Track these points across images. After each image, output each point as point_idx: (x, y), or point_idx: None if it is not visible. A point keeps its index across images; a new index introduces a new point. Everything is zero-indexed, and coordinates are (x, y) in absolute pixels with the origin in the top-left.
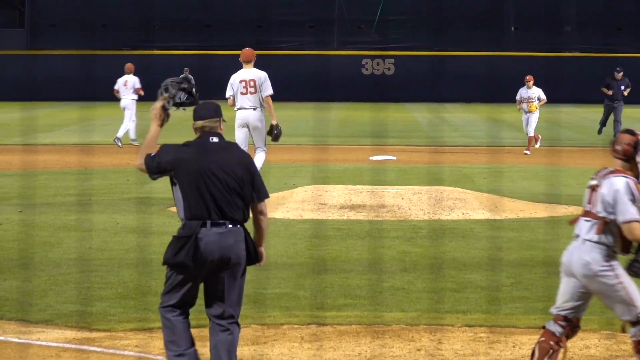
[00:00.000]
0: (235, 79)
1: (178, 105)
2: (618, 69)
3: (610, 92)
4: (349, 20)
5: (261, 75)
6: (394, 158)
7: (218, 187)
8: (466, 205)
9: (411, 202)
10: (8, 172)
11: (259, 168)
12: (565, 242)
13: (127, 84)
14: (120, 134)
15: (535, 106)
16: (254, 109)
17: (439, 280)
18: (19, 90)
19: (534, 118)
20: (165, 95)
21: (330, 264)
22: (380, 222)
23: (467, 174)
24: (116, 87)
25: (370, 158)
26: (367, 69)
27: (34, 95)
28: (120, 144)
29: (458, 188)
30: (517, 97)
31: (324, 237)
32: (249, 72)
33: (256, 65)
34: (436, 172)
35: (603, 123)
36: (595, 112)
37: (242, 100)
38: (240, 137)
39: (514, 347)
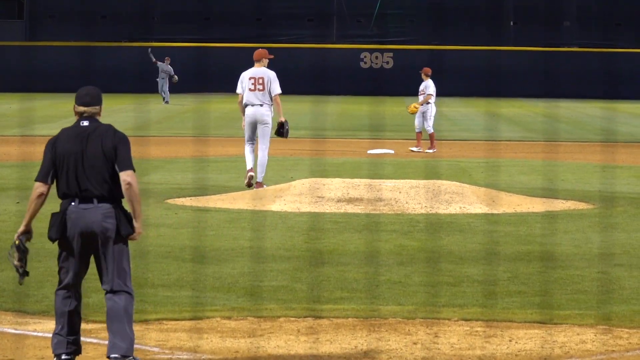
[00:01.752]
0: (245, 76)
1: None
2: None
3: None
4: (348, 14)
5: (270, 74)
6: (392, 152)
7: (84, 166)
8: (463, 199)
9: (408, 196)
10: (6, 163)
11: (264, 162)
12: (562, 236)
13: None
14: None
15: (418, 103)
16: (261, 105)
17: (435, 274)
18: (18, 81)
19: (429, 113)
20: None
21: (327, 257)
22: (378, 215)
23: (465, 168)
24: None
25: (368, 151)
26: (365, 63)
27: (33, 86)
28: None
29: (455, 182)
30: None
31: (321, 230)
32: (259, 70)
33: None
34: (434, 166)
35: None
36: (593, 107)
37: (250, 97)
38: (249, 132)
39: (510, 341)
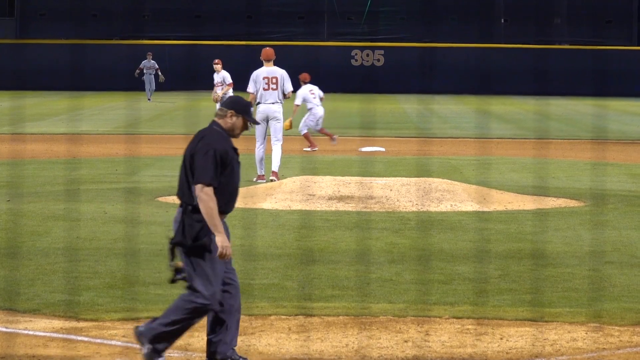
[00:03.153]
0: (258, 75)
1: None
2: None
3: None
4: (339, 12)
5: (283, 73)
6: (383, 149)
7: (182, 169)
8: (454, 197)
9: (399, 194)
10: None
11: (279, 158)
12: (553, 234)
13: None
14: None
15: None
16: (274, 103)
17: (426, 272)
18: (8, 79)
19: (307, 117)
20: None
21: (318, 255)
22: (369, 213)
23: (456, 166)
24: None
25: (359, 149)
26: (356, 60)
27: (23, 84)
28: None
29: (446, 180)
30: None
31: (312, 228)
32: (272, 70)
33: (246, 55)
34: (425, 164)
35: None
36: (584, 105)
37: (265, 95)
38: (260, 129)
39: (501, 339)
